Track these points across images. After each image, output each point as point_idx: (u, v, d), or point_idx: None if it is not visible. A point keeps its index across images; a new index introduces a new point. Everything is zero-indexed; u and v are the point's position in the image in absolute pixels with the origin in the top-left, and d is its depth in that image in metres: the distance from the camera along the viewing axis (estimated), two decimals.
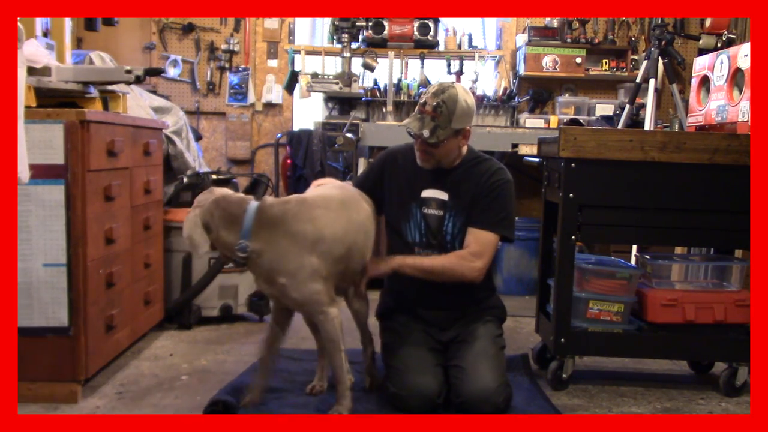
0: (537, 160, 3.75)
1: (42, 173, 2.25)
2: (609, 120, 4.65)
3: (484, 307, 2.49)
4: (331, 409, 2.21)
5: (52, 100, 2.43)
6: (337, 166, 4.74)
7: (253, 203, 2.10)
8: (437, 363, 2.34)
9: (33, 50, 2.34)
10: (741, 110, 2.70)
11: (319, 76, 4.55)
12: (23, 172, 1.79)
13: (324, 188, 2.39)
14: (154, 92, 4.05)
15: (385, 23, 4.65)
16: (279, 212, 2.09)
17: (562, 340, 2.59)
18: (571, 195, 2.55)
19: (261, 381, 2.33)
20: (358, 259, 2.28)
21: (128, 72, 2.55)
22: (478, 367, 2.27)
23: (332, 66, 4.97)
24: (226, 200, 2.09)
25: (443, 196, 2.42)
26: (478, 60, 5.00)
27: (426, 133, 2.27)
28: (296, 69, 4.85)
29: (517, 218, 4.47)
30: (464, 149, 2.44)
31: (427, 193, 2.43)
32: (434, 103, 2.28)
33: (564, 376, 2.62)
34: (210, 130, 5.02)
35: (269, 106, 5.03)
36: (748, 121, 2.64)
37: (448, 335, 2.43)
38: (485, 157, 2.48)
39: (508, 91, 4.95)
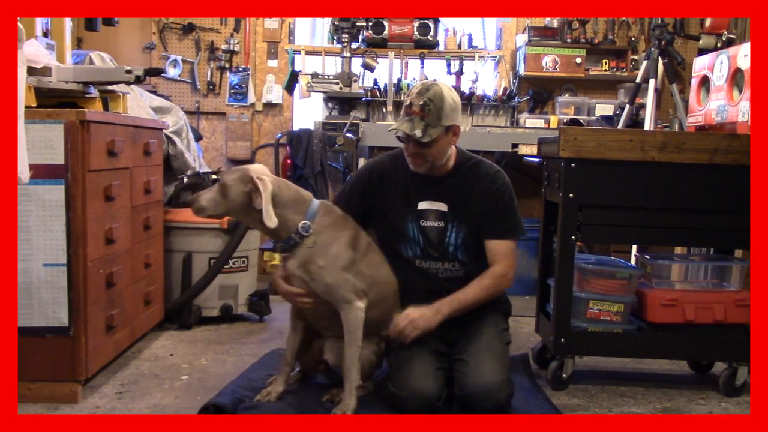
0: (537, 160, 3.75)
1: (42, 173, 2.25)
2: (609, 120, 4.64)
3: (491, 302, 2.47)
4: (335, 408, 2.21)
5: (52, 100, 2.43)
6: (337, 166, 4.74)
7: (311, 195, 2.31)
8: (439, 366, 2.33)
9: (33, 50, 2.34)
10: (741, 110, 2.70)
11: (319, 76, 4.55)
12: (23, 172, 1.80)
13: None
14: (154, 92, 4.04)
15: (385, 23, 4.64)
16: (335, 210, 2.31)
17: (562, 340, 2.59)
18: (571, 195, 2.55)
19: (283, 374, 2.39)
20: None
21: (128, 72, 2.55)
22: (482, 362, 2.26)
23: (332, 66, 4.96)
24: (288, 184, 2.27)
25: (442, 207, 2.39)
26: (478, 60, 4.99)
27: (419, 133, 2.24)
28: (296, 69, 4.84)
29: None
30: (453, 150, 2.41)
31: (423, 205, 2.40)
32: (421, 103, 2.25)
33: (564, 376, 2.62)
34: (210, 130, 5.01)
35: (269, 106, 5.02)
36: (748, 121, 2.64)
37: (455, 334, 2.41)
38: (476, 159, 2.45)
39: (508, 91, 4.94)
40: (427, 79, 4.91)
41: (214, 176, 3.53)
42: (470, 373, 2.25)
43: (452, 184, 2.40)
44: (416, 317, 2.29)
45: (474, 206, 2.38)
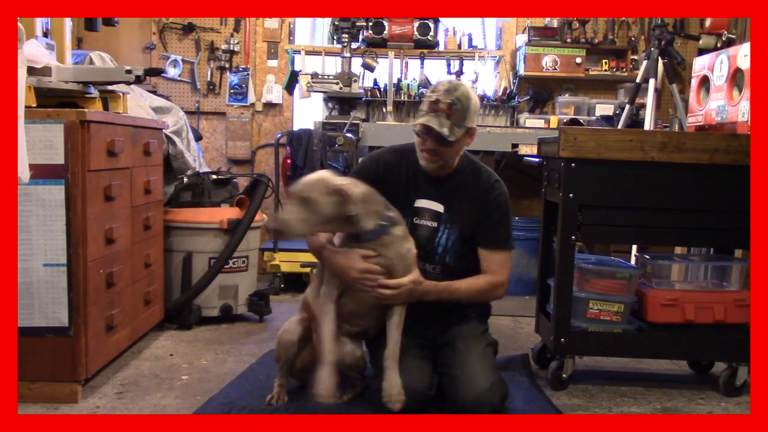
0: (537, 160, 3.75)
1: (42, 173, 2.25)
2: (609, 120, 4.64)
3: (468, 304, 2.46)
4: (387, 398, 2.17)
5: (52, 100, 2.43)
6: (337, 166, 4.73)
7: None
8: (423, 356, 2.33)
9: (33, 50, 2.34)
10: (741, 110, 2.70)
11: (319, 76, 4.55)
12: (23, 172, 1.80)
13: None
14: (154, 92, 4.04)
15: (385, 23, 4.64)
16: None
17: (562, 340, 2.59)
18: (571, 195, 2.55)
19: (331, 365, 2.18)
20: None
21: (128, 72, 2.55)
22: (468, 371, 2.26)
23: (332, 66, 4.96)
24: (360, 182, 2.25)
25: (438, 207, 2.38)
26: (478, 60, 4.99)
27: (446, 131, 2.21)
28: (296, 69, 4.84)
29: (517, 218, 4.51)
30: None
31: (421, 203, 2.39)
32: (449, 101, 2.22)
33: (564, 376, 2.62)
34: (210, 130, 5.01)
35: (269, 106, 5.02)
36: (747, 121, 2.64)
37: (434, 332, 2.42)
38: (478, 164, 2.45)
39: (508, 91, 4.94)
40: (427, 79, 4.91)
41: (214, 176, 3.53)
42: (459, 386, 2.24)
43: (452, 186, 2.39)
44: (414, 290, 2.23)
45: (469, 211, 2.37)
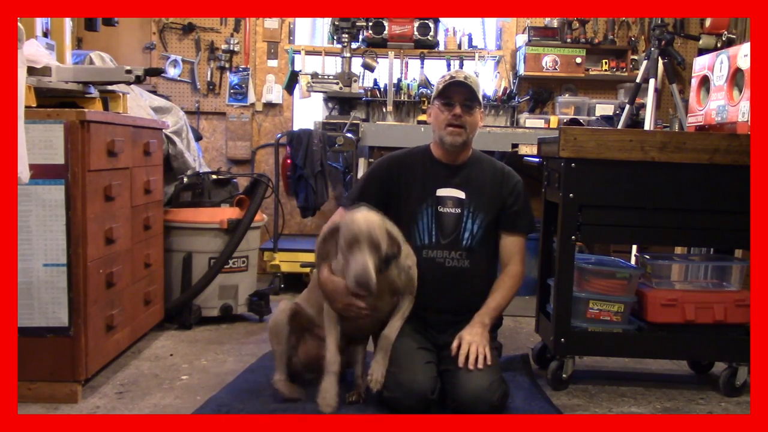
0: (537, 160, 3.75)
1: (42, 173, 2.25)
2: (609, 120, 4.64)
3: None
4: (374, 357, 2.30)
5: (52, 100, 2.43)
6: (337, 166, 4.73)
7: None
8: (428, 360, 2.33)
9: (33, 50, 2.34)
10: (741, 110, 2.70)
11: (319, 76, 4.55)
12: (23, 172, 1.80)
13: None
14: (154, 92, 4.04)
15: (385, 23, 4.64)
16: None
17: (562, 340, 2.59)
18: (571, 195, 2.55)
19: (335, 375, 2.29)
20: None
21: (128, 72, 2.55)
22: (469, 369, 2.26)
23: (332, 66, 4.95)
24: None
25: (460, 194, 2.48)
26: (478, 60, 4.99)
27: (473, 87, 2.40)
28: (296, 69, 4.84)
29: None
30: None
31: (442, 192, 2.48)
32: (462, 77, 2.43)
33: (564, 376, 2.62)
34: (210, 130, 5.01)
35: (269, 106, 5.02)
36: (748, 121, 2.64)
37: (443, 338, 2.42)
38: (489, 157, 2.61)
39: (508, 91, 4.94)
40: (427, 79, 4.91)
41: (213, 176, 3.53)
42: (458, 382, 2.25)
43: (469, 173, 2.51)
44: (477, 340, 2.31)
45: (489, 197, 2.48)
